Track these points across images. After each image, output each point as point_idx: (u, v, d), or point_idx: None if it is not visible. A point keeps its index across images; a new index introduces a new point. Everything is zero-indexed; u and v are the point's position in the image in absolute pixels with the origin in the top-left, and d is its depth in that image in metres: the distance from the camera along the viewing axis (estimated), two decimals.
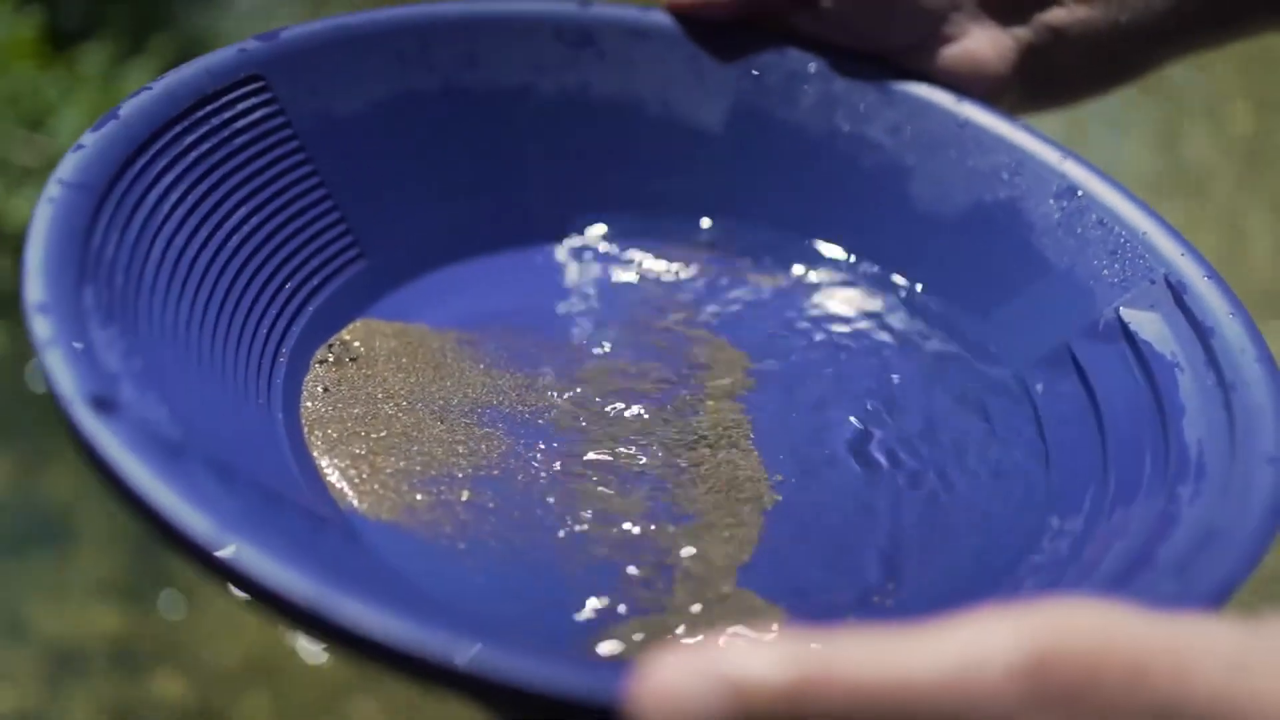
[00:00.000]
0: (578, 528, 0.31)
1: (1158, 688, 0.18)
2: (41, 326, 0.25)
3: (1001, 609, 0.19)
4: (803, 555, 0.31)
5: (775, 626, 0.29)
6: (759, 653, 0.18)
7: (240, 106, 0.35)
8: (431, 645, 0.20)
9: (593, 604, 0.29)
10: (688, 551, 0.31)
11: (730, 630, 0.28)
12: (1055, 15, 0.40)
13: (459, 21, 0.39)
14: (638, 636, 0.28)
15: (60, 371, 0.24)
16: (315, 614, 0.21)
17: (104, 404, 0.24)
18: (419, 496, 0.31)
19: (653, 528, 0.31)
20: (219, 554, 0.21)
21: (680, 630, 0.28)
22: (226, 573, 0.22)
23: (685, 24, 0.41)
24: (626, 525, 0.31)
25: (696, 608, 0.29)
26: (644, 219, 0.41)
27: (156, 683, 1.10)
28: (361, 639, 0.21)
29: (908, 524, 0.32)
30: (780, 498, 0.33)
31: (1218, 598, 0.24)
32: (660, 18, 0.41)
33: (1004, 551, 0.31)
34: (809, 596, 0.30)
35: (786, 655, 0.18)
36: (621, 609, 0.29)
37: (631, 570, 0.30)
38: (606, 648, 0.28)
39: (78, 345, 0.25)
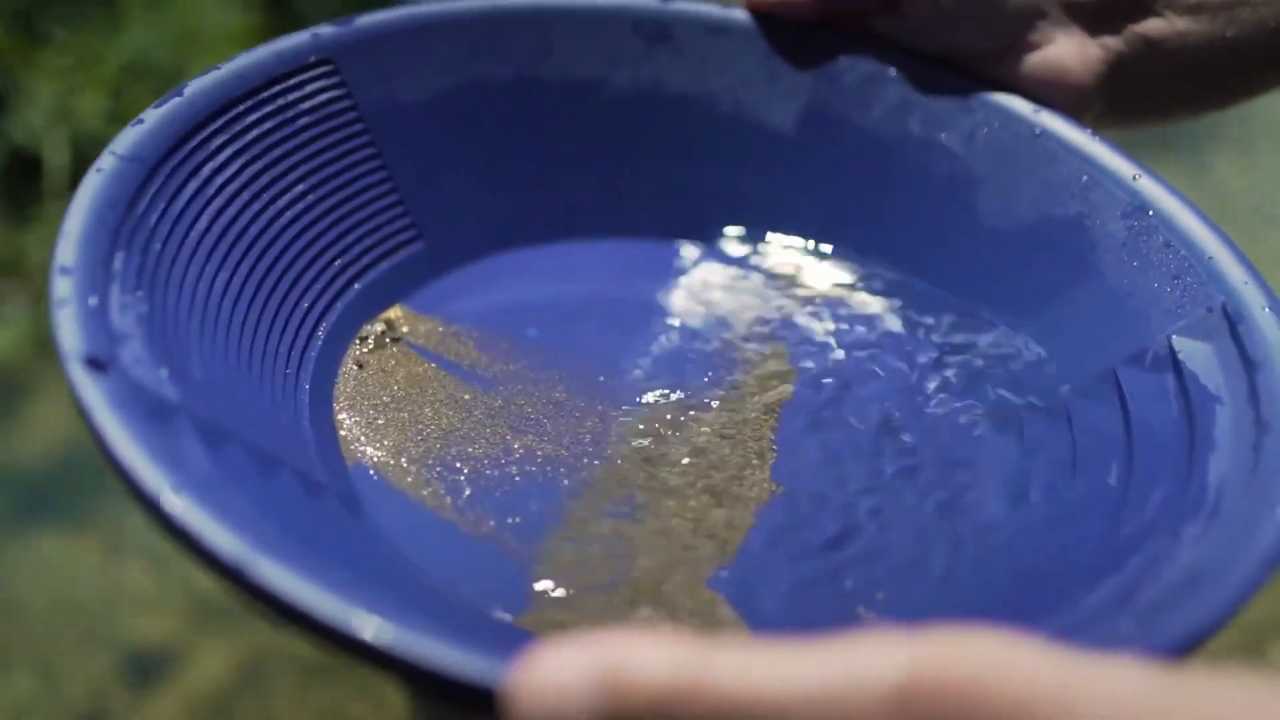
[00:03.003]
0: (591, 522, 0.31)
1: None
2: (61, 288, 0.27)
3: (896, 631, 0.18)
4: (789, 562, 0.31)
5: (728, 635, 0.28)
6: (640, 652, 0.18)
7: (308, 89, 0.36)
8: (333, 614, 0.21)
9: (549, 589, 0.29)
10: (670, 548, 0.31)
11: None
12: (1151, 26, 0.38)
13: (537, 12, 0.40)
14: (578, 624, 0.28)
15: (65, 330, 0.26)
16: (235, 571, 0.22)
17: (97, 363, 0.25)
18: (435, 475, 0.32)
19: (657, 522, 0.31)
20: (164, 508, 0.23)
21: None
22: (172, 527, 0.23)
23: (764, 23, 0.41)
24: (647, 520, 0.31)
25: (647, 611, 0.29)
26: (706, 217, 0.41)
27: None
28: (274, 601, 0.21)
29: (914, 537, 0.31)
30: (784, 491, 0.32)
31: (1182, 645, 0.23)
32: (739, 15, 0.41)
33: (999, 572, 0.30)
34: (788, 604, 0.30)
35: (665, 657, 0.18)
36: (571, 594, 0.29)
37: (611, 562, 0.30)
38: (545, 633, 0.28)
39: (93, 302, 0.27)
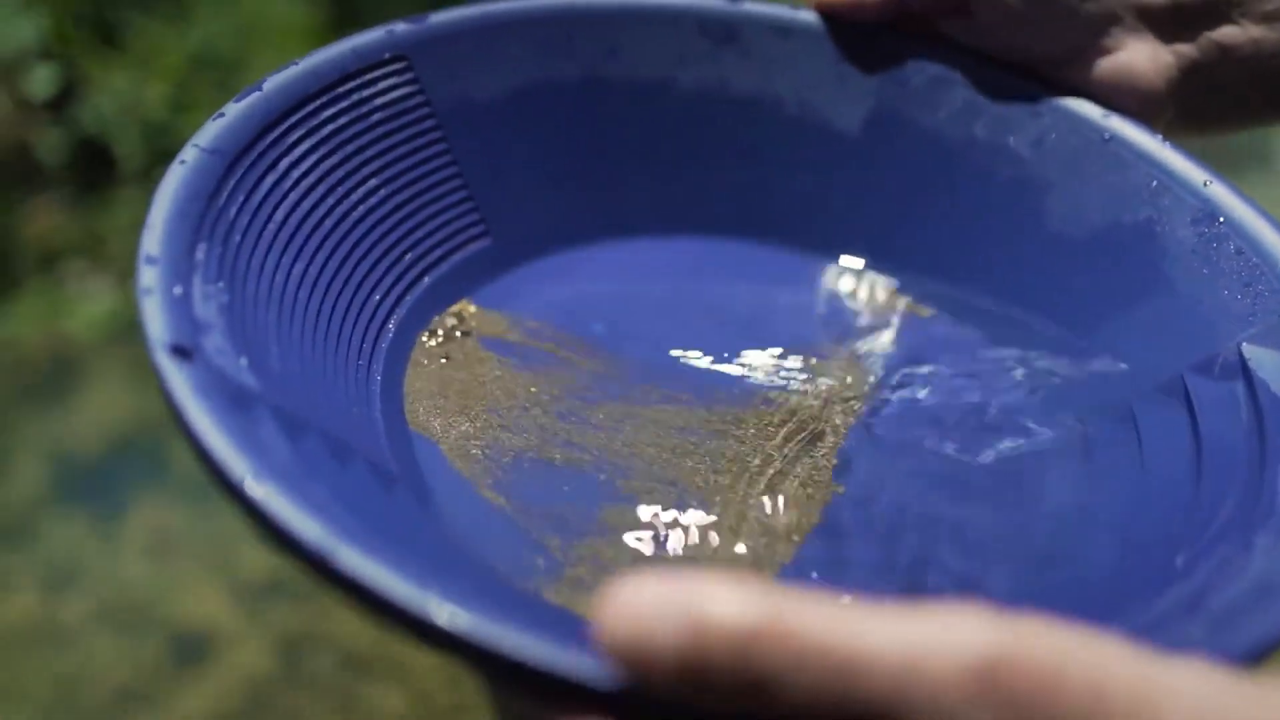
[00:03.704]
0: (661, 525, 0.32)
1: (1112, 714, 0.17)
2: (147, 276, 0.28)
3: (986, 606, 0.18)
4: (859, 553, 0.31)
5: None
6: (726, 591, 0.18)
7: (381, 85, 0.37)
8: (411, 601, 0.21)
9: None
10: (739, 543, 0.31)
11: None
12: (1225, 33, 0.38)
13: (605, 12, 0.40)
14: None
15: (151, 318, 0.26)
16: (319, 558, 0.22)
17: (182, 351, 0.26)
18: (500, 469, 0.33)
19: (718, 537, 0.32)
20: (248, 494, 0.23)
21: None
22: (256, 514, 0.23)
23: (831, 24, 0.41)
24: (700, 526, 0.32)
25: None
26: (770, 218, 0.41)
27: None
28: (356, 588, 0.22)
29: (979, 547, 0.32)
30: (843, 491, 0.33)
31: (1252, 653, 0.23)
32: (807, 17, 0.41)
33: (1067, 582, 0.30)
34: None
35: (751, 599, 0.18)
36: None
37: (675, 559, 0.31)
38: None
39: (177, 291, 0.28)
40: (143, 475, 1.32)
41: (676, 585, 0.19)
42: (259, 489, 0.23)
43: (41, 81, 1.66)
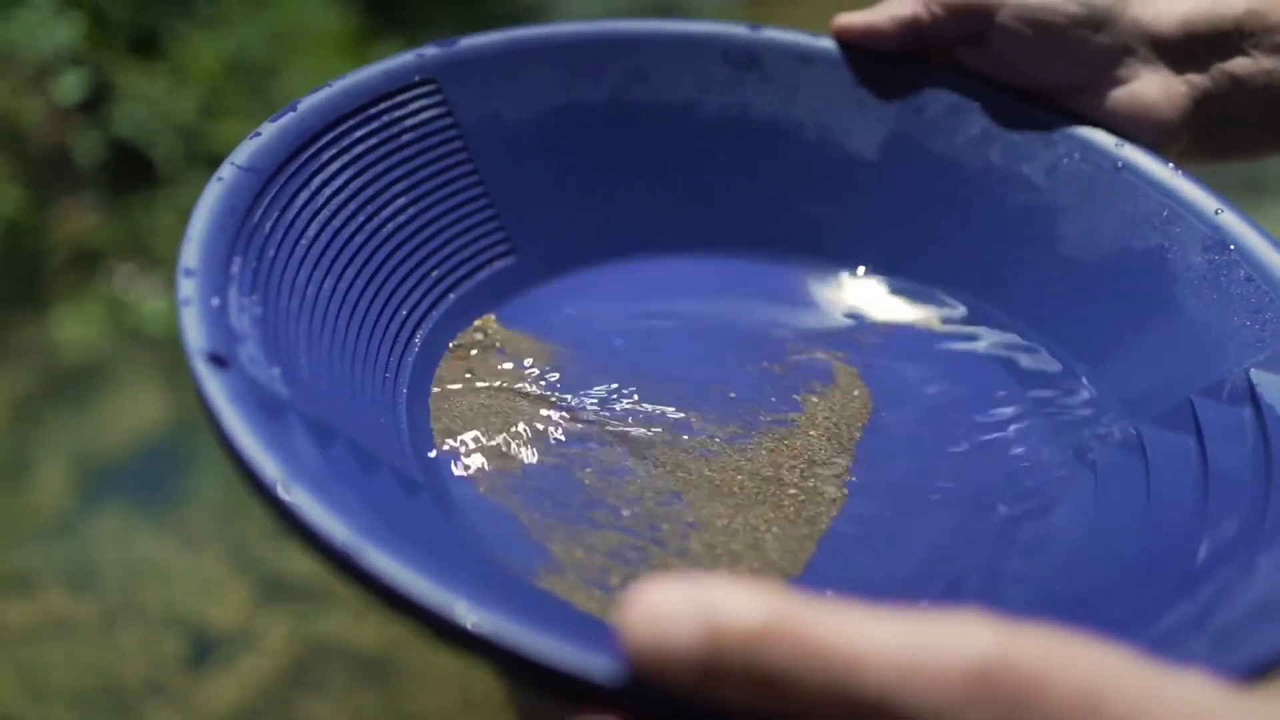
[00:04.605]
0: (675, 537, 0.33)
1: None
2: (185, 288, 0.29)
3: (988, 614, 0.19)
4: (865, 565, 0.32)
5: None
6: (740, 594, 0.19)
7: (411, 106, 0.38)
8: (437, 602, 0.22)
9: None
10: (747, 551, 0.32)
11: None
12: (1238, 64, 0.38)
13: (632, 39, 0.41)
14: None
15: (189, 327, 0.28)
16: (346, 559, 0.23)
17: (219, 359, 0.27)
18: (518, 482, 0.34)
19: (725, 553, 0.33)
20: (281, 497, 0.24)
21: None
22: (287, 516, 0.24)
23: (850, 52, 0.42)
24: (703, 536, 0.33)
25: None
26: (788, 240, 0.42)
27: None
28: (382, 588, 0.23)
29: (985, 564, 0.32)
30: (845, 499, 0.34)
31: (1253, 670, 0.23)
32: (827, 44, 0.42)
33: (1085, 594, 0.31)
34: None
35: (763, 602, 0.19)
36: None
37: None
38: None
39: (215, 303, 0.29)
40: (171, 477, 1.34)
41: (694, 588, 0.20)
42: (290, 492, 0.24)
43: (70, 87, 1.69)
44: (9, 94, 1.68)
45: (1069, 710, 0.18)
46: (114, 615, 1.20)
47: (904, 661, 0.18)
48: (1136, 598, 0.30)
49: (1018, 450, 0.36)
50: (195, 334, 0.28)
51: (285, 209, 0.33)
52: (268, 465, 0.25)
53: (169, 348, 1.48)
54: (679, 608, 0.19)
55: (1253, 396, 0.33)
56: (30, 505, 1.31)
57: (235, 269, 0.30)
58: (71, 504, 1.31)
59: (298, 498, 0.24)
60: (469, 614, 0.22)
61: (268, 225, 0.33)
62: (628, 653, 0.20)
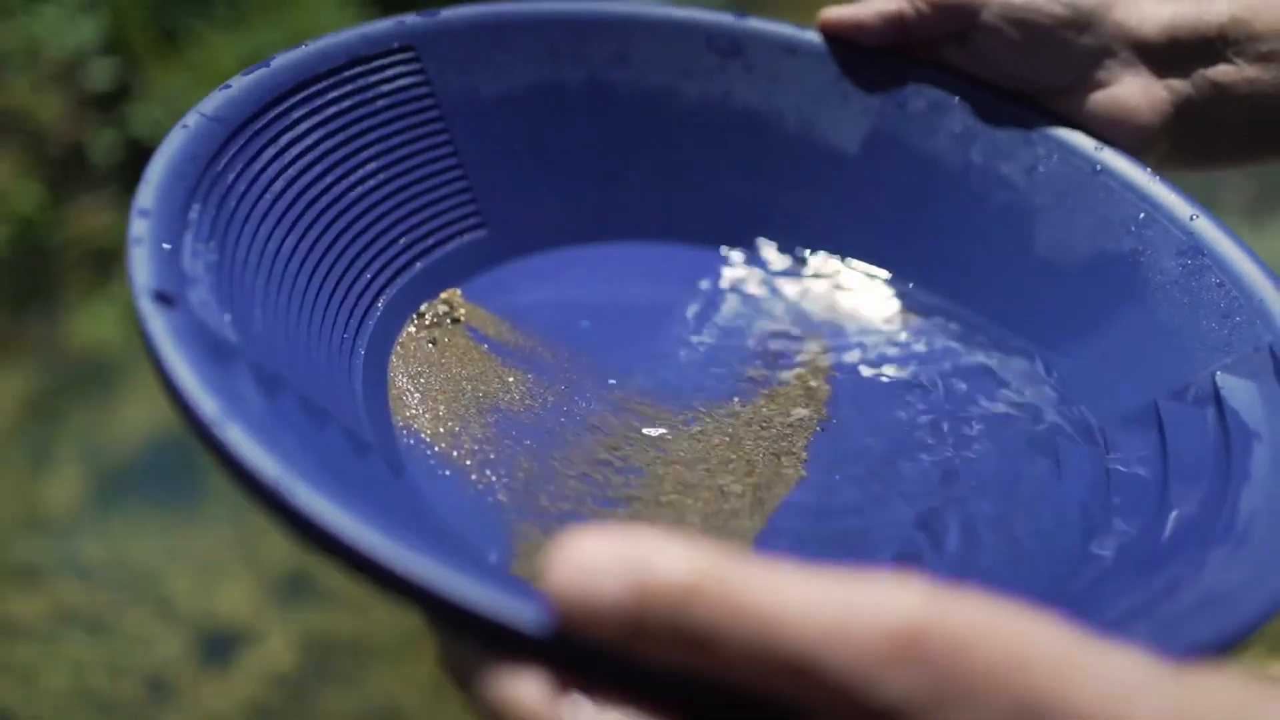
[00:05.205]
0: (629, 502, 0.32)
1: (1031, 685, 0.17)
2: (138, 227, 0.28)
3: (918, 577, 0.19)
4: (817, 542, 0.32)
5: None
6: (670, 549, 0.19)
7: (388, 73, 0.38)
8: (368, 543, 0.22)
9: None
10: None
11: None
12: (1221, 71, 0.38)
13: (616, 20, 0.41)
14: None
15: (137, 265, 0.27)
16: (277, 497, 0.23)
17: (165, 298, 0.27)
18: (474, 448, 0.33)
19: (697, 517, 0.32)
20: (215, 433, 0.24)
21: None
22: (221, 452, 0.24)
23: (835, 45, 0.42)
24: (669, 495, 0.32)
25: None
26: (763, 229, 0.42)
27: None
28: (315, 529, 0.22)
29: (940, 545, 0.32)
30: (806, 476, 0.33)
31: (1188, 654, 0.23)
32: (811, 36, 0.42)
33: (1038, 579, 0.31)
34: None
35: (693, 558, 0.19)
36: None
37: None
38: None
39: (166, 246, 0.28)
40: (184, 474, 1.34)
41: (624, 541, 0.19)
42: (227, 428, 0.24)
43: (100, 77, 1.70)
44: (28, 91, 1.69)
45: (993, 677, 0.17)
46: (125, 611, 1.20)
47: (828, 622, 0.18)
48: (1085, 587, 0.29)
49: (982, 444, 0.35)
50: (143, 272, 0.27)
51: (251, 162, 0.33)
52: (205, 401, 0.24)
53: None
54: (607, 562, 0.19)
55: (1217, 398, 0.33)
56: (44, 501, 1.31)
57: (193, 215, 0.30)
58: (85, 500, 1.31)
59: (232, 435, 0.24)
60: (403, 557, 0.22)
61: (231, 175, 0.32)
62: (554, 605, 0.20)
